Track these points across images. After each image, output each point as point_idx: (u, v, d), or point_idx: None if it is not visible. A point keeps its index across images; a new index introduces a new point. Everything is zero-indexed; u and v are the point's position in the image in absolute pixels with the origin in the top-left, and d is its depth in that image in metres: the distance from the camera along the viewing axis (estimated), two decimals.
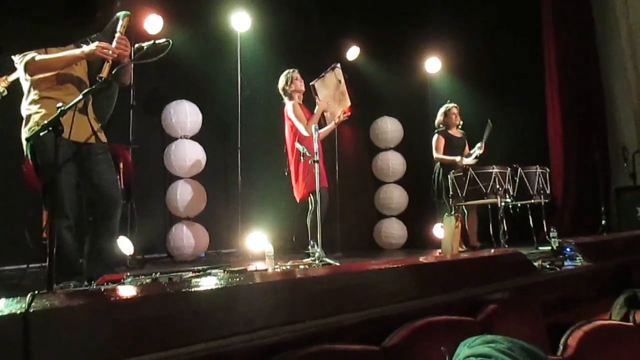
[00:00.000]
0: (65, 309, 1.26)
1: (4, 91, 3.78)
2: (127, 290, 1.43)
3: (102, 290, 1.61)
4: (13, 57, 2.87)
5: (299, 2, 6.79)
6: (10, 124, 3.18)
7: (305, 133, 4.59)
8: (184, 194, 5.69)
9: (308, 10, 6.93)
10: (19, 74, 2.95)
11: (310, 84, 4.77)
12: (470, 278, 2.31)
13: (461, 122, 5.86)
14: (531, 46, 6.70)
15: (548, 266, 2.98)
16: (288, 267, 3.90)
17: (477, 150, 5.63)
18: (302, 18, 6.91)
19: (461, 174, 5.14)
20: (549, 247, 4.36)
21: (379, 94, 7.55)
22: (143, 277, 2.87)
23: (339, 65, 4.89)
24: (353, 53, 7.34)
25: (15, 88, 3.32)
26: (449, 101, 5.95)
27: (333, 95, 4.78)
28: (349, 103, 4.89)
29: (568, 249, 3.51)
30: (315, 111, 4.69)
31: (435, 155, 5.77)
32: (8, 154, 3.71)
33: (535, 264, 2.94)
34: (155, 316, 1.36)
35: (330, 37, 7.30)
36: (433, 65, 7.51)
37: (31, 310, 1.20)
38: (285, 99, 4.83)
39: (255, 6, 6.34)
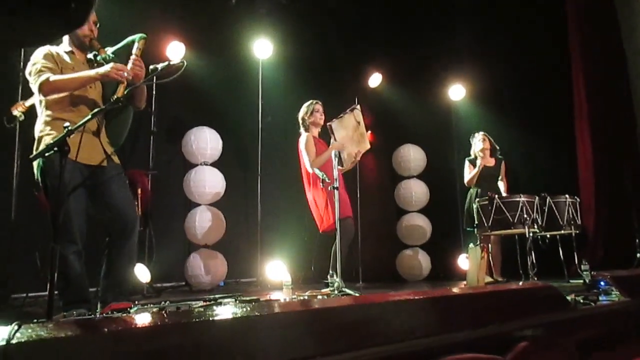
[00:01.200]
0: (52, 340, 1.16)
1: (21, 116, 3.78)
2: (122, 322, 1.32)
3: (97, 320, 1.50)
4: (28, 76, 2.84)
5: (321, 30, 6.79)
6: (29, 148, 3.14)
7: (309, 169, 4.51)
8: (202, 221, 5.60)
9: (330, 37, 6.92)
10: (34, 97, 2.92)
11: (328, 124, 4.67)
12: (498, 313, 2.15)
13: (498, 149, 5.70)
14: (558, 72, 6.53)
15: (582, 301, 2.80)
16: (306, 297, 3.75)
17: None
18: (324, 45, 6.90)
19: (487, 202, 4.96)
20: (581, 281, 4.17)
21: (401, 122, 7.46)
22: (151, 306, 2.77)
23: (358, 106, 4.80)
24: (375, 80, 7.31)
25: (34, 113, 3.29)
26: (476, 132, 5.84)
27: (351, 136, 4.68)
28: (368, 146, 4.80)
29: (602, 283, 3.35)
30: (326, 150, 4.60)
31: (465, 180, 5.67)
32: (27, 179, 3.68)
33: (568, 298, 2.76)
34: (150, 349, 1.25)
35: (352, 64, 7.28)
36: (457, 92, 7.39)
37: (14, 342, 1.10)
38: (302, 130, 4.75)
39: (278, 34, 6.36)
